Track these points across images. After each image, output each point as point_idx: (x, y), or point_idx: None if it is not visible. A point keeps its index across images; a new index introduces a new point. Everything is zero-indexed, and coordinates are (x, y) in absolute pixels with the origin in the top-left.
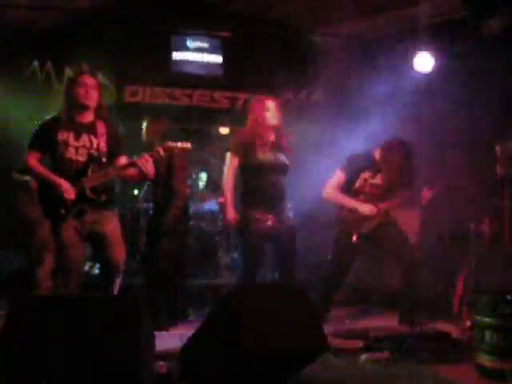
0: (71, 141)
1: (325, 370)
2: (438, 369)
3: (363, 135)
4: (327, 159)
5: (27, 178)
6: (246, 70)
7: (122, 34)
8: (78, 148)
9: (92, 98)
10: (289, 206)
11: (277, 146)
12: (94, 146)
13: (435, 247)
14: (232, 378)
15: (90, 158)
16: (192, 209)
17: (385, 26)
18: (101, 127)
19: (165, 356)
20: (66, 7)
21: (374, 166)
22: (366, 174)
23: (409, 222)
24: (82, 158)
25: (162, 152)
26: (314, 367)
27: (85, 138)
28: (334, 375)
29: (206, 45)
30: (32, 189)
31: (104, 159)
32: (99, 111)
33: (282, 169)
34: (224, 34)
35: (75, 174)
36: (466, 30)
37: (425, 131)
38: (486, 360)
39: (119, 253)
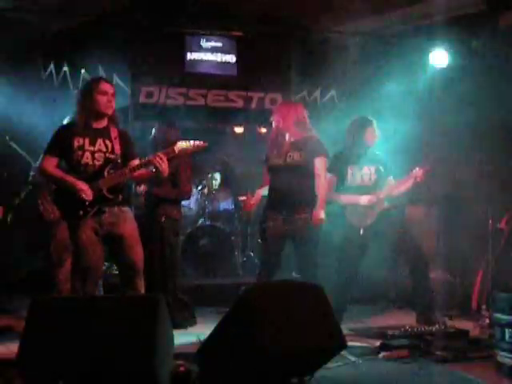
0: (87, 146)
1: (342, 369)
2: (457, 367)
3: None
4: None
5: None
6: (259, 70)
7: (136, 35)
8: (94, 152)
9: (112, 107)
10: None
11: (295, 148)
12: (110, 149)
13: (453, 243)
14: (249, 376)
15: (107, 161)
16: (208, 208)
17: (399, 22)
18: (114, 131)
19: (184, 355)
20: (80, 10)
21: (354, 158)
22: (351, 168)
23: (413, 215)
24: (98, 162)
25: (176, 150)
26: (330, 366)
27: (100, 143)
28: (351, 373)
29: (219, 44)
30: (52, 189)
31: (119, 161)
32: (113, 117)
33: (294, 167)
34: (238, 33)
35: (92, 177)
36: (481, 24)
37: (441, 127)
38: (505, 358)
39: (138, 254)
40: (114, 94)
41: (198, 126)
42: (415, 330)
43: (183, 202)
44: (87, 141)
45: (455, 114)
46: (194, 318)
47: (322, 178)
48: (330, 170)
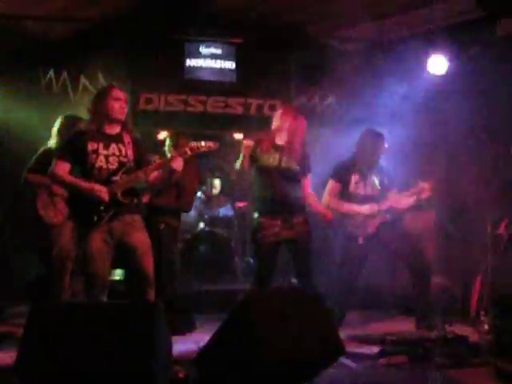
0: (101, 150)
1: (341, 375)
2: (456, 373)
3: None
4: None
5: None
6: (259, 76)
7: (135, 41)
8: (108, 156)
9: (125, 113)
10: (304, 212)
11: (288, 152)
12: (123, 153)
13: (452, 249)
14: (247, 383)
15: (121, 164)
16: (207, 214)
17: (398, 28)
18: (127, 137)
19: (183, 361)
20: (80, 17)
21: (357, 167)
22: (355, 177)
23: (414, 224)
24: (112, 166)
25: (189, 152)
26: (329, 372)
27: (114, 147)
28: (350, 380)
29: (219, 51)
30: (53, 192)
31: (133, 166)
32: (126, 123)
33: (291, 175)
34: (237, 40)
35: (106, 181)
36: (480, 31)
37: (440, 133)
38: (504, 364)
39: (149, 263)
40: (127, 100)
41: (198, 132)
42: (414, 336)
43: None
44: (101, 145)
45: (453, 120)
46: (194, 324)
47: (310, 189)
48: (333, 176)
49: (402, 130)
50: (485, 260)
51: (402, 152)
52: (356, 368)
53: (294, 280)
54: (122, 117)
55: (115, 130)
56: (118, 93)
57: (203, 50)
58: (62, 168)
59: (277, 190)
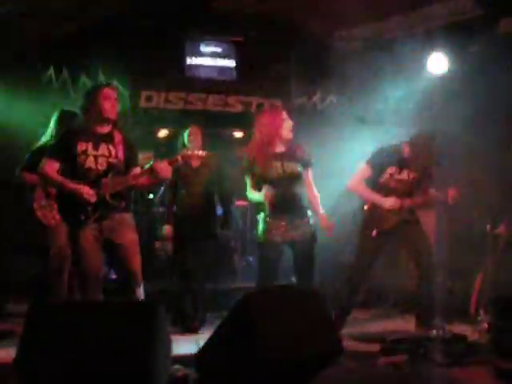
0: (90, 150)
1: (341, 374)
2: (455, 372)
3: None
4: (342, 162)
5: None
6: (259, 75)
7: (136, 39)
8: (97, 157)
9: (116, 112)
10: (308, 212)
11: (288, 154)
12: (113, 154)
13: (452, 248)
14: (247, 382)
15: (110, 166)
16: None
17: (398, 27)
18: (117, 136)
19: (182, 360)
20: (80, 16)
21: (400, 162)
22: (391, 169)
23: (425, 221)
24: (101, 167)
25: (180, 159)
26: (329, 371)
27: (103, 147)
28: (350, 379)
29: (219, 49)
30: (49, 192)
31: (122, 167)
32: (117, 122)
33: (293, 177)
34: (237, 38)
35: (95, 182)
36: (480, 30)
37: (441, 132)
38: (503, 363)
39: (136, 262)
40: (117, 98)
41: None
42: (414, 335)
43: None
44: (90, 145)
45: (455, 119)
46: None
47: (314, 186)
48: (368, 161)
49: (401, 129)
50: (484, 259)
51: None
52: (356, 367)
53: (293, 279)
54: (113, 116)
55: (106, 128)
56: (109, 91)
57: (203, 48)
58: (51, 167)
59: (283, 193)
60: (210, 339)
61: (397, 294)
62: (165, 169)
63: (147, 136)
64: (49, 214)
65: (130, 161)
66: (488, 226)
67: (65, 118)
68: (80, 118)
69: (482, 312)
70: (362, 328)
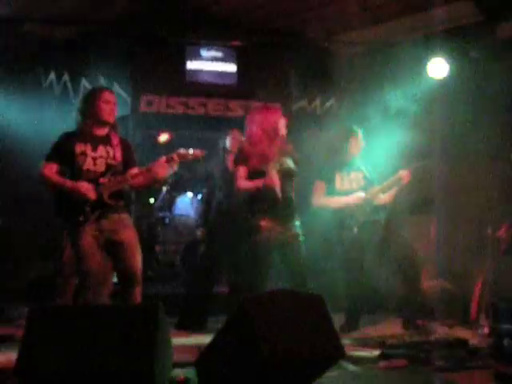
0: (89, 152)
1: (340, 378)
2: (456, 376)
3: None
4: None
5: None
6: (259, 79)
7: (136, 44)
8: (95, 158)
9: (114, 115)
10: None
11: (283, 153)
12: (111, 155)
13: (453, 253)
14: None
15: (108, 167)
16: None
17: (398, 32)
18: (115, 139)
19: (183, 364)
20: (81, 20)
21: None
22: (340, 175)
23: (422, 227)
24: (99, 169)
25: (176, 158)
26: (329, 375)
27: (101, 149)
28: (350, 383)
29: (220, 54)
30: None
31: (120, 168)
32: (114, 125)
33: (287, 174)
34: (238, 43)
35: (93, 183)
36: (480, 35)
37: (439, 137)
38: (504, 367)
39: (136, 262)
40: (116, 103)
41: (198, 134)
42: (414, 339)
43: (183, 211)
44: (89, 147)
45: (454, 124)
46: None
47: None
48: (318, 176)
49: (400, 132)
50: (485, 263)
51: (401, 153)
52: (356, 371)
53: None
54: (112, 119)
55: (103, 131)
56: (108, 95)
57: (204, 52)
58: (49, 169)
59: (280, 191)
60: (211, 343)
61: (397, 298)
62: (162, 168)
63: (148, 141)
64: None
65: (128, 161)
66: (489, 230)
67: None
68: (79, 120)
69: (482, 316)
70: (362, 332)
